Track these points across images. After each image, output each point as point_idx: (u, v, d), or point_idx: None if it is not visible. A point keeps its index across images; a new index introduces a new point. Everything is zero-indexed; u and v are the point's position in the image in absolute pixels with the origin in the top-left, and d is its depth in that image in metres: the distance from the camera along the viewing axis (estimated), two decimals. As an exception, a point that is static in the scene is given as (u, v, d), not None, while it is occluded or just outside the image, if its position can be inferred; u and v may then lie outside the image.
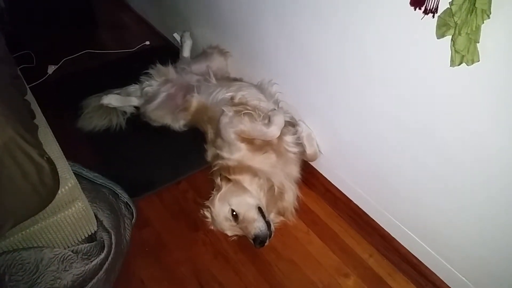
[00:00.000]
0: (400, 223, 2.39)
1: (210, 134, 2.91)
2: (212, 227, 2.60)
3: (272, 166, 2.62)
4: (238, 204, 2.45)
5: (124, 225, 2.52)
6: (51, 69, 3.78)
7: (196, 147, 2.89)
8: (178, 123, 3.14)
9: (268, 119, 2.65)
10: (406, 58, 1.76)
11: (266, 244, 2.41)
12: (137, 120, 3.28)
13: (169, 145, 3.11)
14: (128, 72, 3.43)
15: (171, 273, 2.44)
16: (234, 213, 2.43)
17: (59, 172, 1.95)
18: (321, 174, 2.87)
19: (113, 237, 2.21)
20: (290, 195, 2.63)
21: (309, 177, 2.84)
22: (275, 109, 2.75)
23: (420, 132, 1.94)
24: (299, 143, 2.70)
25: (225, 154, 2.64)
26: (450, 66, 1.49)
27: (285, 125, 2.67)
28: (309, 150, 2.74)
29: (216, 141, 2.79)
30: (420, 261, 2.28)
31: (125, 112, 3.32)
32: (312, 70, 2.48)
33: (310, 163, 2.73)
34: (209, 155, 2.79)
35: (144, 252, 2.54)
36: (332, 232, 2.61)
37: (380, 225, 2.53)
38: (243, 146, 2.60)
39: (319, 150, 2.76)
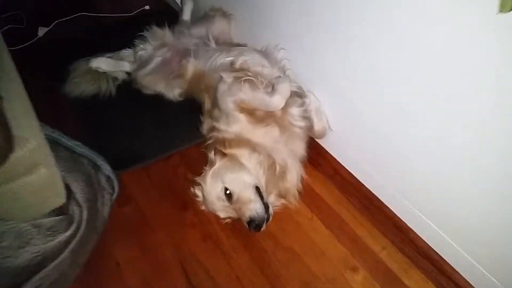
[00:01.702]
0: (419, 211, 2.05)
1: (206, 104, 2.59)
2: (203, 208, 2.29)
3: (274, 141, 2.28)
4: (232, 182, 2.12)
5: (103, 200, 2.22)
6: (41, 31, 3.48)
7: (192, 119, 2.56)
8: (173, 92, 2.81)
9: (271, 87, 2.30)
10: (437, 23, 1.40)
11: (262, 228, 2.09)
12: (128, 88, 2.95)
13: (162, 115, 2.79)
14: (125, 37, 3.11)
15: (152, 256, 2.14)
16: (228, 192, 2.11)
17: (20, 131, 1.63)
18: (329, 154, 2.53)
19: (84, 212, 1.91)
20: (293, 175, 2.29)
21: (316, 156, 2.48)
22: (280, 77, 2.40)
23: (449, 104, 1.59)
24: (306, 117, 2.36)
25: (221, 126, 2.31)
26: (500, 12, 1.21)
27: (291, 96, 2.33)
28: (317, 125, 2.39)
29: (212, 111, 2.46)
30: (441, 257, 1.99)
31: (116, 78, 3.01)
32: (326, 34, 2.13)
33: (318, 140, 2.44)
34: (205, 127, 2.46)
35: (124, 231, 2.24)
36: (339, 219, 2.28)
37: (396, 213, 2.20)
38: (242, 117, 2.27)
39: (328, 126, 2.41)
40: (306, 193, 2.37)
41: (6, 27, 3.44)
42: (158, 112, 2.81)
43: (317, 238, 2.21)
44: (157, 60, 2.86)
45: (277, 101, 2.25)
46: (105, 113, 2.84)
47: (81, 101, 2.89)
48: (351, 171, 2.43)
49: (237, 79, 2.36)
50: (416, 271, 2.05)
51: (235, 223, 2.23)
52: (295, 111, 2.33)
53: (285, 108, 2.31)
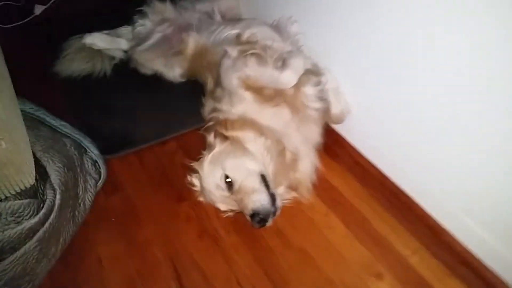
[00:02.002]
0: (457, 209, 1.70)
1: (209, 84, 2.28)
2: (201, 199, 1.97)
3: (285, 125, 1.96)
4: (234, 169, 1.80)
5: (85, 185, 1.92)
6: (38, 9, 3.25)
7: (193, 102, 2.25)
8: (173, 72, 2.52)
9: (282, 62, 1.99)
10: None
11: (268, 223, 1.77)
12: (126, 68, 2.67)
13: (159, 97, 2.50)
14: (126, 15, 2.84)
15: (140, 253, 1.83)
16: (229, 180, 1.79)
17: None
18: (348, 142, 2.21)
19: (57, 196, 1.61)
20: (307, 165, 1.97)
21: (333, 144, 2.19)
22: (292, 51, 2.08)
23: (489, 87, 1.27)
24: (322, 98, 2.03)
25: (223, 106, 2.00)
26: None
27: (305, 73, 2.02)
28: (334, 108, 2.07)
29: (215, 91, 2.15)
30: (483, 264, 1.71)
31: (113, 58, 2.74)
32: (347, 4, 1.83)
33: (334, 127, 2.16)
34: (207, 110, 2.14)
35: (108, 223, 1.95)
36: (360, 216, 1.94)
37: (428, 211, 1.87)
38: (247, 95, 1.96)
39: (347, 109, 2.08)
40: (321, 185, 2.04)
41: (2, 3, 3.22)
42: (156, 94, 2.52)
43: (333, 238, 1.87)
44: (156, 36, 2.57)
45: (288, 77, 1.93)
46: (97, 93, 2.56)
47: (73, 80, 2.63)
48: (373, 162, 2.10)
49: (243, 53, 2.06)
50: (454, 280, 1.70)
51: (238, 217, 1.90)
52: (309, 90, 2.01)
53: (298, 87, 1.99)
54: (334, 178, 2.12)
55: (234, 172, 1.80)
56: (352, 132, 2.18)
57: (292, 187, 2.00)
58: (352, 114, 2.11)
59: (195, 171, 1.96)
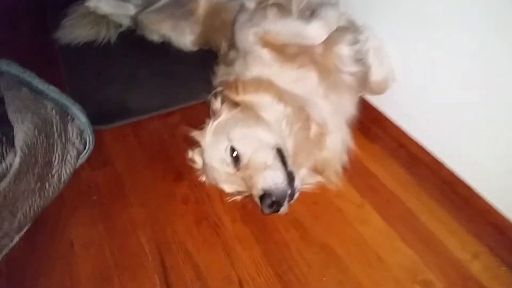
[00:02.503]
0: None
1: (223, 48, 1.93)
2: (203, 179, 1.59)
3: (311, 91, 1.57)
4: (242, 139, 1.42)
5: (64, 155, 1.59)
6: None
7: (204, 71, 1.87)
8: (184, 38, 2.19)
9: (310, 13, 1.60)
10: None
11: (282, 209, 1.37)
12: (133, 36, 2.35)
13: (167, 66, 2.18)
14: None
15: (121, 238, 1.47)
16: (235, 153, 1.39)
17: None
18: (391, 120, 1.77)
19: (16, 160, 1.26)
20: (336, 142, 1.57)
21: (371, 122, 1.80)
22: (323, 3, 1.68)
23: None
24: (360, 61, 1.62)
25: (236, 68, 1.64)
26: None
27: (339, 30, 1.62)
28: (375, 74, 1.66)
29: (228, 54, 1.79)
30: None
31: (120, 25, 2.44)
32: None
33: (374, 99, 1.79)
34: (217, 77, 1.76)
35: (89, 201, 1.59)
36: (405, 210, 1.51)
37: (494, 205, 1.46)
38: (265, 53, 1.58)
39: (391, 76, 1.66)
40: (355, 170, 1.63)
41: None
42: (163, 62, 2.20)
43: (368, 235, 1.44)
44: (166, -1, 2.23)
45: (316, 29, 1.54)
46: (97, 60, 2.27)
47: (73, 47, 2.32)
48: (423, 144, 1.68)
49: (262, 3, 1.68)
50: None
51: (247, 203, 1.51)
52: (344, 50, 1.61)
53: (329, 46, 1.60)
54: (372, 162, 1.68)
55: (243, 143, 1.41)
56: (396, 107, 1.76)
57: (317, 170, 1.60)
58: (398, 83, 1.67)
59: (196, 144, 1.58)
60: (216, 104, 1.56)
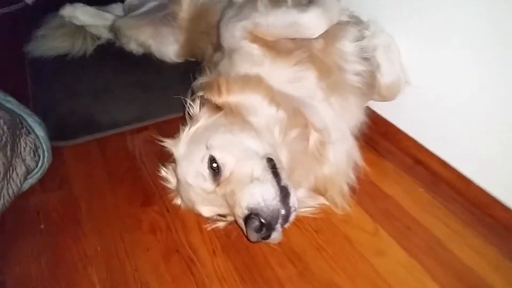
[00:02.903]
0: None
1: (208, 53, 1.66)
2: (178, 202, 1.27)
3: (309, 92, 1.29)
4: (224, 147, 1.13)
5: (9, 172, 1.27)
6: (31, -2, 2.81)
7: (186, 83, 1.58)
8: (166, 48, 1.94)
9: (307, 1, 1.36)
10: None
11: (274, 236, 1.05)
12: (112, 48, 2.10)
13: (145, 77, 1.93)
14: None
15: (66, 277, 1.13)
16: (215, 164, 1.08)
17: None
18: (405, 134, 1.48)
19: None
20: (341, 155, 1.31)
21: (381, 136, 1.49)
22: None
23: None
24: (367, 59, 1.35)
25: (221, 68, 1.36)
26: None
27: (342, 24, 1.36)
28: (385, 75, 1.40)
29: (212, 57, 1.53)
30: None
31: (98, 38, 2.18)
32: None
33: (383, 109, 1.53)
34: (198, 82, 1.48)
35: (34, 230, 1.28)
36: (431, 237, 1.20)
37: None
38: (255, 48, 1.33)
39: (404, 78, 1.38)
40: (365, 190, 1.34)
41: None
42: (141, 73, 1.95)
43: (386, 269, 1.11)
44: (150, 5, 2.02)
45: (314, 18, 1.31)
46: (68, 72, 2.03)
47: (44, 59, 2.07)
48: (445, 160, 1.34)
49: (251, -2, 1.44)
50: None
51: (232, 230, 1.19)
52: (348, 46, 1.35)
53: (330, 42, 1.34)
54: (385, 182, 1.38)
55: (225, 151, 1.12)
56: (410, 117, 1.48)
57: (318, 190, 1.30)
58: (412, 88, 1.39)
59: (171, 160, 1.28)
60: (195, 109, 1.27)
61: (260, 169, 1.08)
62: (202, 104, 1.28)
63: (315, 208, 1.27)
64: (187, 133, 1.23)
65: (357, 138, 1.36)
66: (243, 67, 1.31)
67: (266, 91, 1.23)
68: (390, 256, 1.14)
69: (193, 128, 1.23)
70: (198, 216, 1.23)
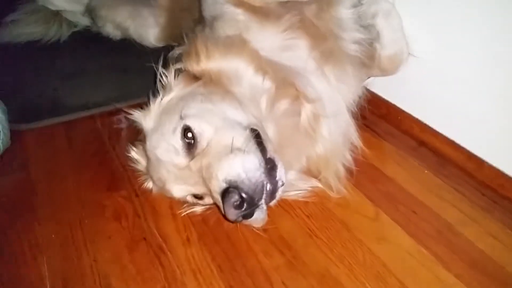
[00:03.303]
0: None
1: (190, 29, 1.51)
2: (149, 186, 1.10)
3: (300, 60, 1.13)
4: (201, 115, 0.97)
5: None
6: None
7: (166, 65, 1.44)
8: (146, 31, 1.79)
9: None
10: None
11: (258, 215, 0.89)
12: (89, 35, 1.96)
13: (122, 60, 1.78)
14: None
15: (12, 267, 0.95)
16: (190, 135, 0.92)
17: None
18: (407, 114, 1.33)
19: None
20: (335, 131, 1.15)
21: (381, 117, 1.32)
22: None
23: None
24: (365, 26, 1.21)
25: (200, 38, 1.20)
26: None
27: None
28: (386, 45, 1.27)
29: (194, 30, 1.37)
30: None
31: (75, 25, 2.03)
32: None
33: (382, 89, 1.39)
34: (175, 53, 1.33)
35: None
36: (441, 222, 1.05)
37: None
38: (239, 13, 1.19)
39: (406, 49, 1.24)
40: (364, 173, 1.19)
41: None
42: (117, 56, 1.79)
43: (390, 257, 0.94)
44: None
45: None
46: (39, 56, 1.86)
47: (15, 44, 1.91)
48: (453, 139, 1.20)
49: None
50: None
51: (210, 216, 1.02)
52: (343, 12, 1.20)
53: (325, 8, 1.20)
54: (387, 164, 1.23)
55: (201, 120, 0.96)
56: (414, 95, 1.32)
57: (310, 171, 1.13)
58: (414, 60, 1.25)
59: (142, 139, 1.11)
60: (168, 77, 1.11)
61: (242, 139, 0.92)
62: (177, 74, 1.12)
63: (307, 191, 1.11)
64: (158, 104, 1.07)
65: (354, 115, 1.21)
66: (227, 31, 1.16)
67: (252, 56, 1.07)
68: (393, 243, 0.98)
69: (166, 99, 1.07)
70: (172, 200, 1.07)
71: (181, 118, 0.97)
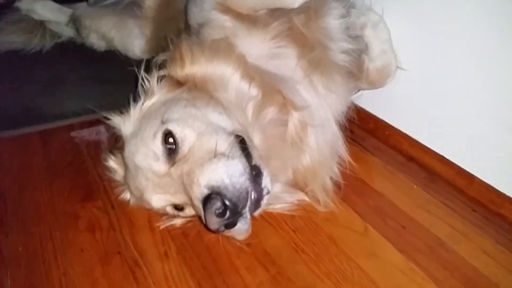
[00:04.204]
0: None
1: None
2: (126, 196, 1.04)
3: (288, 71, 1.11)
4: (184, 120, 0.92)
5: None
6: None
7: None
8: (131, 42, 1.75)
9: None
10: None
11: (241, 226, 0.84)
12: (73, 47, 1.91)
13: (104, 71, 1.72)
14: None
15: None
16: (172, 140, 0.87)
17: None
18: (395, 129, 1.31)
19: None
20: (323, 142, 1.12)
21: (369, 132, 1.31)
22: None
23: None
24: (354, 37, 1.19)
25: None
26: None
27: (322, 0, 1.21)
28: (375, 57, 1.26)
29: (180, 37, 1.34)
30: None
31: (58, 36, 1.99)
32: None
33: (369, 104, 1.41)
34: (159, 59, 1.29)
35: None
36: (431, 238, 1.01)
37: None
38: (226, 20, 1.16)
39: (395, 61, 1.23)
40: (352, 187, 1.14)
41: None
42: (100, 67, 1.74)
43: (379, 273, 0.89)
44: (117, -2, 1.85)
45: None
46: (19, 66, 1.82)
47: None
48: (443, 154, 1.17)
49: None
50: None
51: (191, 229, 0.96)
52: (331, 23, 1.18)
53: (313, 18, 1.18)
54: (375, 179, 1.20)
55: (184, 124, 0.91)
56: (402, 110, 1.30)
57: (296, 184, 1.09)
58: (403, 74, 1.24)
59: (119, 148, 1.06)
60: (151, 82, 1.07)
61: (226, 144, 0.87)
62: (160, 80, 1.08)
63: (293, 204, 1.06)
64: (139, 108, 1.02)
65: (342, 127, 1.17)
66: (214, 34, 1.13)
67: (239, 62, 1.04)
68: (383, 258, 0.93)
69: (148, 103, 1.03)
70: (150, 213, 1.01)
71: (163, 122, 0.93)
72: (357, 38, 1.22)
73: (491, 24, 1.00)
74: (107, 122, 1.04)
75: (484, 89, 1.06)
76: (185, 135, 0.90)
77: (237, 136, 0.91)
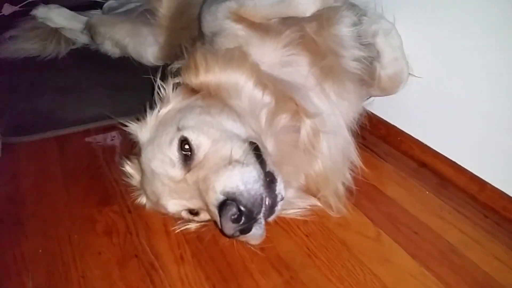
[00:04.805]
0: None
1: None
2: (142, 201, 1.07)
3: (301, 78, 1.12)
4: (199, 127, 0.94)
5: None
6: (7, 9, 2.67)
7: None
8: (145, 49, 1.79)
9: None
10: None
11: (256, 231, 0.85)
12: (87, 53, 1.96)
13: (119, 78, 1.77)
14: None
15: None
16: (187, 147, 0.90)
17: None
18: (407, 135, 1.32)
19: None
20: (335, 148, 1.13)
21: (381, 138, 1.30)
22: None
23: None
24: (366, 44, 1.21)
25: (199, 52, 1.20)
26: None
27: (337, 9, 1.22)
28: (387, 64, 1.26)
29: (194, 45, 1.37)
30: None
31: (73, 43, 2.03)
32: None
33: (381, 110, 1.40)
34: (174, 67, 1.32)
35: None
36: (443, 244, 1.02)
37: None
38: (239, 29, 1.18)
39: (407, 69, 1.24)
40: (364, 193, 1.16)
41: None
42: (115, 74, 1.78)
43: (392, 279, 0.90)
44: (130, 6, 1.89)
45: None
46: (36, 72, 1.87)
47: (11, 60, 1.91)
48: (455, 161, 1.18)
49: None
50: None
51: (206, 233, 0.98)
52: (343, 30, 1.20)
53: (325, 26, 1.19)
54: (387, 184, 1.21)
55: (199, 132, 0.93)
56: (414, 116, 1.31)
57: (309, 190, 1.11)
58: (415, 81, 1.25)
59: (136, 154, 1.09)
60: (167, 90, 1.10)
61: (240, 151, 0.90)
62: (175, 87, 1.11)
63: (306, 210, 1.08)
64: (155, 115, 1.05)
65: (354, 134, 1.19)
66: (227, 43, 1.15)
67: (252, 70, 1.06)
68: (395, 264, 0.94)
69: (164, 110, 1.06)
70: (165, 217, 1.03)
71: (179, 129, 0.95)
72: (368, 45, 1.23)
73: (506, 30, 1.01)
74: (124, 128, 1.07)
75: (495, 96, 1.06)
76: (200, 142, 0.92)
77: (251, 143, 0.93)
